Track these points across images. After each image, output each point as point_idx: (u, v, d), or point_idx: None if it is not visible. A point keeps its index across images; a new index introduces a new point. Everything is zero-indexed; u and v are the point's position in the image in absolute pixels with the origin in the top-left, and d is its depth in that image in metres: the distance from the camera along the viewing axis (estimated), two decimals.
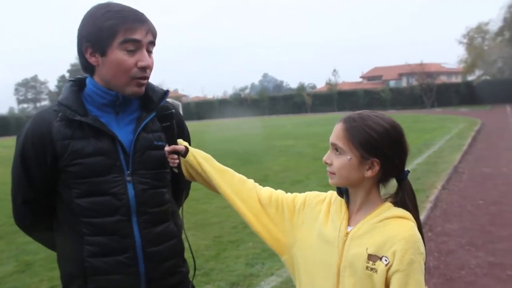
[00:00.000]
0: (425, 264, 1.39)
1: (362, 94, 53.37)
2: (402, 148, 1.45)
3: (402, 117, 23.65)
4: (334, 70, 63.47)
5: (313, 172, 9.85)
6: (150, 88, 1.66)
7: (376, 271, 1.35)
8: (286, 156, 12.91)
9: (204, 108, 57.46)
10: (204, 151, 1.67)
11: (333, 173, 1.47)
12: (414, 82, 52.95)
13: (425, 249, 1.40)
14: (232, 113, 51.23)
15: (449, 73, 66.81)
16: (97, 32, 1.50)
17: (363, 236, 1.41)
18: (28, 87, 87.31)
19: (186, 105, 56.42)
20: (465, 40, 49.75)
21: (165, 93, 1.70)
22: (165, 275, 1.66)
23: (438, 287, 3.91)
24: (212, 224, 6.05)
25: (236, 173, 1.70)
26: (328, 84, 59.62)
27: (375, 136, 1.40)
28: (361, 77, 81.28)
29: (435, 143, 13.55)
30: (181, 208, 1.78)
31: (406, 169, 1.48)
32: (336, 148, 1.45)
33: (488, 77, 49.59)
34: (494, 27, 49.21)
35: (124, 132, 1.59)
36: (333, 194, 1.57)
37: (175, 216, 1.74)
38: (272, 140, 18.66)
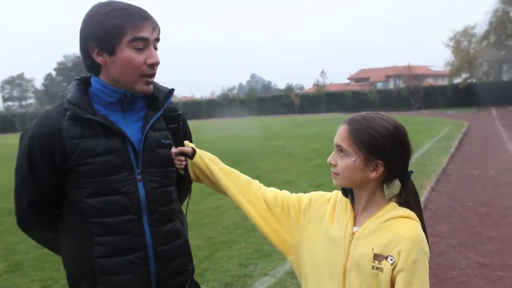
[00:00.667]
0: (429, 263, 1.41)
1: (350, 95, 53.66)
2: (405, 150, 1.47)
3: None
4: (322, 71, 63.56)
5: (304, 173, 9.90)
6: (155, 86, 1.65)
7: (382, 270, 1.37)
8: (276, 157, 12.94)
9: (192, 108, 57.22)
10: None
11: (337, 174, 1.48)
12: (401, 84, 53.40)
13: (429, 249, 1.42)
14: (221, 114, 51.16)
15: (436, 75, 67.46)
16: (104, 31, 1.49)
17: (369, 236, 1.43)
18: (14, 85, 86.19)
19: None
20: (451, 43, 50.25)
21: (170, 91, 1.69)
22: (173, 274, 1.65)
23: (431, 287, 3.94)
24: (205, 225, 6.03)
25: (242, 174, 1.71)
26: (316, 85, 59.79)
27: (379, 138, 1.41)
28: (348, 78, 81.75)
29: (423, 145, 13.66)
30: (186, 207, 1.77)
31: (409, 169, 1.50)
32: (340, 149, 1.46)
33: (474, 80, 50.15)
34: (480, 30, 49.87)
35: (132, 131, 1.58)
36: (338, 194, 1.58)
37: (181, 215, 1.74)
38: (261, 140, 18.68)
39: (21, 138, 1.61)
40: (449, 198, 7.20)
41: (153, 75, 1.58)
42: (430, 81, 57.38)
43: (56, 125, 1.52)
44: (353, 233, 1.46)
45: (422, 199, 6.73)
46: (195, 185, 1.84)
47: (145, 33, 1.52)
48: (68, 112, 1.52)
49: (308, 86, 77.28)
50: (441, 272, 4.22)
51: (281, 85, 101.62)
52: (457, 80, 50.68)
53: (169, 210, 1.66)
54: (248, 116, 51.44)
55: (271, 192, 1.69)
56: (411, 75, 49.32)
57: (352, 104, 52.00)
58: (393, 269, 1.36)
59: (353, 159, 1.43)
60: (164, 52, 1.71)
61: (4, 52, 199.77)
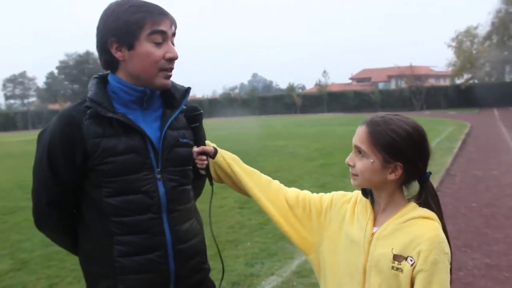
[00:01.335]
0: (451, 263, 1.41)
1: (352, 95, 53.65)
2: (425, 151, 1.46)
3: None
4: (324, 71, 63.92)
5: (306, 173, 9.89)
6: (172, 85, 1.65)
7: (401, 270, 1.37)
8: (278, 157, 12.93)
9: None
10: None
11: (356, 175, 1.48)
12: (403, 84, 53.39)
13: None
14: (222, 113, 51.18)
15: (438, 76, 67.48)
16: (123, 26, 1.49)
17: (388, 236, 1.43)
18: (16, 83, 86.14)
19: None
20: (454, 44, 50.29)
21: (187, 90, 1.69)
22: (192, 272, 1.66)
23: None
24: (205, 224, 6.02)
25: (262, 174, 1.71)
26: (318, 85, 59.76)
27: (399, 140, 1.41)
28: (350, 78, 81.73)
29: None
30: (209, 205, 1.76)
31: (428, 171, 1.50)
32: (359, 150, 1.46)
33: (476, 81, 50.13)
34: (482, 31, 49.92)
35: (151, 129, 1.58)
36: (358, 194, 1.58)
37: (197, 214, 1.75)
38: (263, 140, 18.67)
39: (40, 137, 1.60)
40: (453, 199, 7.19)
41: (171, 69, 1.58)
42: (432, 82, 57.48)
43: (78, 124, 1.51)
44: (372, 234, 1.46)
45: None
46: None
47: (164, 27, 1.52)
48: (89, 111, 1.52)
49: (309, 86, 77.38)
50: None
51: (283, 85, 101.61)
52: (459, 81, 50.71)
53: (187, 209, 1.66)
54: (249, 116, 51.44)
55: (293, 192, 1.69)
56: (413, 75, 49.32)
57: (354, 104, 52.06)
58: (413, 269, 1.36)
59: (372, 160, 1.43)
60: None
61: (7, 50, 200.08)
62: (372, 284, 1.42)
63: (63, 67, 73.53)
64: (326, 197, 1.65)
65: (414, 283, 1.37)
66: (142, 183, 1.53)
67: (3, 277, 4.62)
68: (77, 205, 1.62)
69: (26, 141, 30.04)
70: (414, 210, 1.45)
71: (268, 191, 1.66)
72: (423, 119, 29.10)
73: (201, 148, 1.62)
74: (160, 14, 1.53)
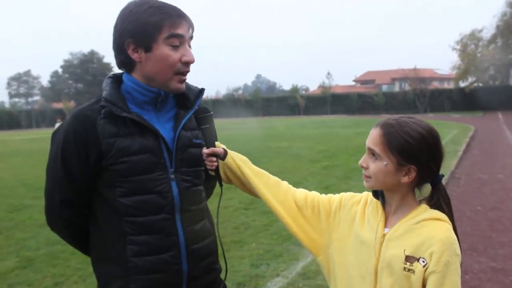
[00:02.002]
0: (461, 265, 1.41)
1: (355, 97, 53.65)
2: (438, 154, 1.46)
3: None
4: (328, 73, 63.30)
5: (310, 174, 9.89)
6: (186, 86, 1.65)
7: (413, 272, 1.37)
8: (282, 158, 12.94)
9: None
10: None
11: (369, 177, 1.47)
12: (407, 87, 53.35)
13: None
14: (226, 114, 51.19)
15: (442, 79, 67.37)
16: (141, 27, 1.49)
17: (400, 237, 1.43)
18: (21, 82, 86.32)
19: None
20: (458, 47, 50.20)
21: (201, 91, 1.69)
22: (204, 273, 1.66)
23: None
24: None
25: (271, 176, 1.70)
26: (322, 86, 59.74)
27: (413, 143, 1.41)
28: (354, 80, 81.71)
29: None
30: (218, 206, 1.76)
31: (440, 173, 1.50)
32: (372, 153, 1.46)
33: (480, 84, 50.02)
34: (487, 34, 49.82)
35: (165, 130, 1.58)
36: (368, 195, 1.58)
37: (209, 214, 1.75)
38: (267, 141, 18.68)
39: (54, 136, 1.60)
40: (458, 202, 7.17)
41: (187, 73, 1.58)
42: (436, 84, 57.36)
43: (92, 124, 1.51)
44: (384, 235, 1.46)
45: None
46: None
47: (181, 30, 1.52)
48: (104, 110, 1.52)
49: (313, 87, 77.40)
50: None
51: (287, 86, 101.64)
52: (463, 84, 50.63)
53: (200, 209, 1.66)
54: (253, 117, 51.43)
55: (301, 193, 1.69)
56: (417, 78, 49.32)
57: (357, 106, 52.05)
58: (425, 271, 1.36)
59: (385, 163, 1.43)
60: None
61: (12, 48, 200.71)
62: (383, 285, 1.42)
63: (68, 66, 73.63)
64: (335, 198, 1.65)
65: (425, 284, 1.37)
66: (156, 183, 1.53)
67: (9, 274, 4.63)
68: (90, 205, 1.62)
69: (30, 139, 30.15)
70: (425, 211, 1.45)
71: (277, 192, 1.66)
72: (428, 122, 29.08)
73: (211, 149, 1.61)
74: (179, 16, 1.53)
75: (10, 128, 58.61)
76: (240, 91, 69.47)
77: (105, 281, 1.62)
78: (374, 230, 1.48)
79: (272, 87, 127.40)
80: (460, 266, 1.40)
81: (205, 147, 1.62)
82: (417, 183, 1.47)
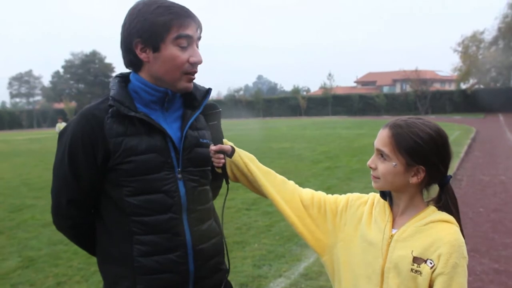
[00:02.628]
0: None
1: (357, 98, 53.63)
2: (447, 155, 1.46)
3: None
4: (330, 74, 63.73)
5: (313, 175, 9.88)
6: (193, 86, 1.64)
7: (420, 273, 1.37)
8: (284, 159, 12.93)
9: None
10: None
11: (378, 178, 1.47)
12: (408, 88, 53.36)
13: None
14: (227, 114, 51.10)
15: (443, 80, 67.34)
16: (150, 27, 1.48)
17: (408, 238, 1.43)
18: (22, 82, 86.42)
19: None
20: (460, 48, 50.22)
21: (208, 91, 1.69)
22: (210, 273, 1.65)
23: None
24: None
25: (278, 174, 1.70)
26: (323, 87, 59.72)
27: (422, 144, 1.40)
28: (355, 81, 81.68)
29: None
30: (223, 205, 1.76)
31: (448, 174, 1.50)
32: (381, 153, 1.46)
33: (481, 86, 50.01)
34: (489, 36, 49.85)
35: (172, 129, 1.58)
36: (375, 196, 1.58)
37: (215, 214, 1.75)
38: (268, 142, 18.68)
39: (61, 135, 1.59)
40: (460, 204, 6.94)
41: (195, 72, 1.57)
42: (437, 86, 57.34)
43: (99, 123, 1.50)
44: (391, 236, 1.45)
45: None
46: None
47: (190, 31, 1.52)
48: (111, 109, 1.51)
49: (314, 88, 77.42)
50: None
51: (288, 87, 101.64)
52: (464, 86, 50.61)
53: (206, 209, 1.66)
54: (254, 118, 51.44)
55: (308, 192, 1.68)
56: (418, 79, 49.29)
57: (358, 108, 52.06)
58: (432, 272, 1.36)
59: (394, 163, 1.42)
60: None
61: (13, 48, 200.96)
62: (390, 286, 1.42)
63: (69, 66, 73.69)
64: (341, 198, 1.64)
65: (432, 286, 1.37)
66: (163, 183, 1.53)
67: (11, 274, 4.63)
68: (96, 205, 1.61)
69: (32, 139, 30.18)
70: (434, 213, 1.45)
71: (284, 191, 1.65)
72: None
73: (219, 146, 1.60)
74: (187, 17, 1.52)
75: (11, 128, 58.69)
76: (241, 92, 69.28)
77: (111, 281, 1.61)
78: (381, 231, 1.48)
79: (273, 88, 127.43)
80: (466, 268, 1.39)
81: (212, 144, 1.62)
82: (426, 184, 1.47)
